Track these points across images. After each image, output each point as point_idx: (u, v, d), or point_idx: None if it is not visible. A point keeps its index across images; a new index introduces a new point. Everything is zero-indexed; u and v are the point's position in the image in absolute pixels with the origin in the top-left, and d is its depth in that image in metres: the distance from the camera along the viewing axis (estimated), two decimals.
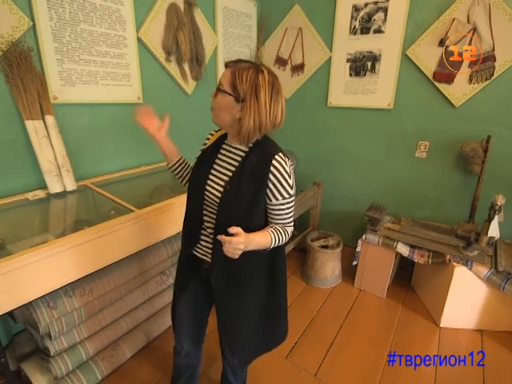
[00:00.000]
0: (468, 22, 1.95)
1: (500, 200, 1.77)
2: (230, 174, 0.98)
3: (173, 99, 2.18)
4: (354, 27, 2.32)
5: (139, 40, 1.87)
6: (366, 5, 2.22)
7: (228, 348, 1.14)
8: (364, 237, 2.15)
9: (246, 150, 0.99)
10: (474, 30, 1.93)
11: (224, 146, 1.04)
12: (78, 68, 1.64)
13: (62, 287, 1.29)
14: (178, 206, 1.67)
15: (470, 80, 2.01)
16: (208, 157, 1.05)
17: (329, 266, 2.27)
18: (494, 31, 1.89)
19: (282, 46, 2.68)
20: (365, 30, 2.28)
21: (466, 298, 1.89)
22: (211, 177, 1.02)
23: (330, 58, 2.47)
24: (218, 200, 0.97)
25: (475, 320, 1.95)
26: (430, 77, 2.13)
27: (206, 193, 1.01)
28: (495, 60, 1.92)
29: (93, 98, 1.73)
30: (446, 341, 1.87)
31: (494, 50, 1.91)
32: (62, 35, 1.54)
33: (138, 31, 1.84)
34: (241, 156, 0.99)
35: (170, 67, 2.07)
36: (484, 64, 1.94)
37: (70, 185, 1.59)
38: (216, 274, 1.04)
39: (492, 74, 1.94)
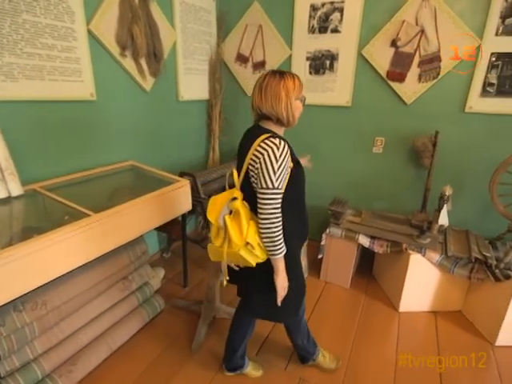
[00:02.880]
0: (416, 24, 2.07)
1: (448, 190, 1.91)
2: None
3: (130, 96, 2.08)
4: (313, 26, 2.36)
5: (90, 33, 1.75)
6: (323, 5, 2.28)
7: None
8: (328, 230, 2.22)
9: None
10: (422, 31, 2.06)
11: None
12: (21, 62, 1.50)
13: (9, 302, 1.18)
14: (140, 207, 1.60)
15: (419, 79, 2.14)
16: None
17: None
18: (439, 33, 2.03)
19: (242, 42, 2.66)
20: (323, 30, 2.34)
21: (420, 282, 2.03)
22: None
23: (291, 55, 2.51)
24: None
25: (430, 302, 2.09)
26: (384, 76, 2.24)
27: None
28: (441, 60, 2.06)
29: (39, 94, 1.59)
30: (404, 324, 2.00)
31: (439, 51, 2.05)
32: (1, 26, 1.40)
33: (88, 24, 1.73)
34: None
35: (126, 62, 1.97)
36: (431, 64, 2.08)
37: (16, 189, 1.46)
38: None
39: (438, 74, 2.09)
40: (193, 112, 2.70)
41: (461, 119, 2.12)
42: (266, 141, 1.08)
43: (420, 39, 2.08)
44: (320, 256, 2.32)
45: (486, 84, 1.99)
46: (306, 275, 2.44)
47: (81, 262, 1.37)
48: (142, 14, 1.96)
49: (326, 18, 2.30)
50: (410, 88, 2.19)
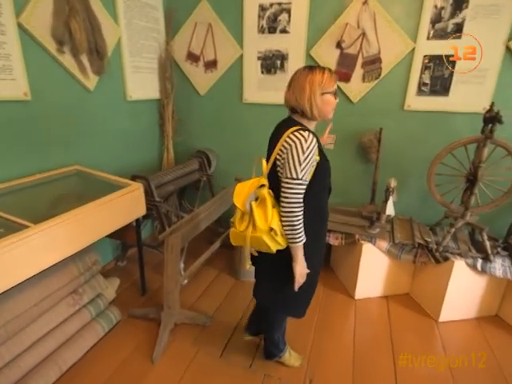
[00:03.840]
0: (358, 27, 2.19)
1: (392, 183, 2.06)
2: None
3: (71, 95, 1.93)
4: (262, 26, 2.39)
5: (20, 27, 1.59)
6: (271, 5, 2.32)
7: None
8: None
9: None
10: (364, 34, 2.19)
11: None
12: None
13: None
14: (87, 215, 1.50)
15: (363, 79, 2.27)
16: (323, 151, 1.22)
17: None
18: (378, 36, 2.17)
19: (192, 41, 2.61)
20: (272, 30, 2.38)
21: (373, 270, 2.16)
22: None
23: (242, 55, 2.51)
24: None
25: (381, 288, 2.24)
26: None
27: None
28: (381, 62, 2.21)
29: None
30: (360, 311, 2.11)
31: (380, 53, 2.19)
32: None
33: (18, 17, 1.57)
34: None
35: (64, 59, 1.82)
36: (373, 65, 2.22)
37: None
38: None
39: (380, 74, 2.23)
40: (143, 112, 2.59)
41: (401, 116, 2.29)
42: (296, 133, 1.13)
43: (362, 41, 2.20)
44: None
45: (421, 84, 2.18)
46: None
47: (20, 279, 1.24)
48: (81, 7, 1.83)
49: (274, 18, 2.34)
50: (356, 87, 2.32)
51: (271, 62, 2.45)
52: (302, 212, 1.15)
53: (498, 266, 1.88)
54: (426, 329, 1.97)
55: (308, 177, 1.14)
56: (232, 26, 2.48)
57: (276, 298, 1.39)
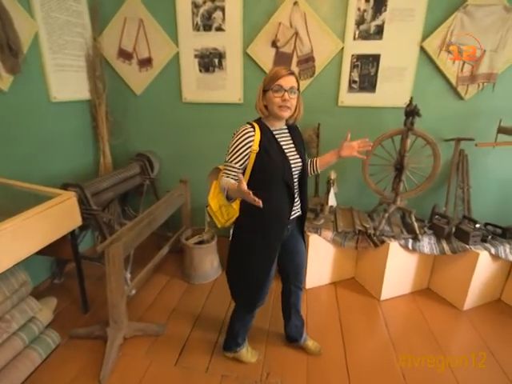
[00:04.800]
0: (291, 26, 2.26)
1: (332, 175, 2.18)
2: (293, 145, 1.36)
3: None
4: (197, 23, 2.34)
5: None
6: (205, 2, 2.28)
7: (299, 276, 1.65)
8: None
9: (286, 127, 1.37)
10: (297, 33, 2.27)
11: (274, 132, 1.31)
12: None
13: None
14: (7, 232, 1.33)
15: (300, 77, 2.36)
16: (274, 144, 1.29)
17: (207, 260, 2.30)
18: (310, 36, 2.26)
19: (123, 37, 2.46)
20: (207, 27, 2.34)
21: (320, 259, 2.27)
22: (288, 154, 1.31)
23: (178, 53, 2.44)
24: (300, 166, 1.36)
25: (329, 275, 2.37)
26: None
27: (292, 167, 1.31)
28: (314, 60, 2.31)
29: None
30: (311, 299, 2.21)
31: (312, 52, 2.29)
32: None
33: None
34: (286, 133, 1.37)
35: None
36: (307, 63, 2.31)
37: None
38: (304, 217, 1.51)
39: (314, 73, 2.33)
40: (72, 114, 2.38)
41: (336, 112, 2.43)
42: (243, 125, 1.30)
43: (296, 41, 2.28)
44: None
45: (351, 81, 2.33)
46: (219, 272, 2.45)
47: None
48: None
49: (208, 15, 2.31)
50: None
51: (209, 61, 2.42)
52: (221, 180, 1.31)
53: (426, 244, 2.10)
54: (370, 308, 2.13)
55: (237, 163, 1.27)
56: (165, 22, 2.39)
57: (228, 278, 1.54)
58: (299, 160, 1.35)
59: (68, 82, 2.28)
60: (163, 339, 1.82)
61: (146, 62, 2.50)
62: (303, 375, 1.62)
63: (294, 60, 2.32)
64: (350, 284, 2.38)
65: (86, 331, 1.80)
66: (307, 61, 2.30)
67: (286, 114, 1.26)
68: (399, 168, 2.09)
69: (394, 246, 2.08)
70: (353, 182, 2.57)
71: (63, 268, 2.28)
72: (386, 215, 2.15)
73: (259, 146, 1.24)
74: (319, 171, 1.53)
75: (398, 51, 2.19)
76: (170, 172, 2.77)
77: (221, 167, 1.38)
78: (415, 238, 2.10)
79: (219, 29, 2.33)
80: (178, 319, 1.98)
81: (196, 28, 2.36)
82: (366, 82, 2.31)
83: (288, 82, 1.22)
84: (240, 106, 2.52)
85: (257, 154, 1.24)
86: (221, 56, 2.40)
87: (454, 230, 2.13)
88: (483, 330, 1.94)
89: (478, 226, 2.02)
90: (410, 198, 2.22)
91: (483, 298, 2.15)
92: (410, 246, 2.08)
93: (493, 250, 1.97)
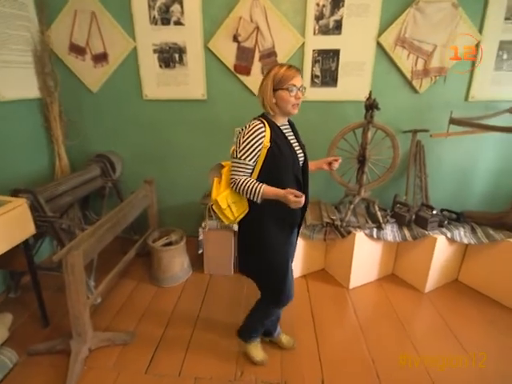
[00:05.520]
0: (252, 21, 2.24)
1: None
2: (295, 140, 1.39)
3: None
4: (154, 17, 2.25)
5: None
6: None
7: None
8: (203, 224, 2.23)
9: (287, 123, 1.40)
10: (258, 28, 2.25)
11: (281, 128, 1.33)
12: None
13: None
14: None
15: (262, 72, 2.35)
16: (283, 139, 1.31)
17: (176, 261, 2.24)
18: (271, 31, 2.26)
19: (74, 31, 2.31)
20: (165, 21, 2.26)
21: None
22: (296, 149, 1.35)
23: (136, 48, 2.33)
24: (303, 159, 1.40)
25: (300, 269, 2.40)
26: (232, 69, 2.35)
27: (300, 162, 1.37)
28: (277, 55, 2.31)
29: None
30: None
31: (274, 47, 2.29)
32: None
33: None
34: (289, 128, 1.40)
35: None
36: (269, 58, 2.31)
37: None
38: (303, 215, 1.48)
39: None
40: (21, 114, 2.20)
41: (300, 107, 2.44)
42: (251, 121, 1.30)
43: (257, 35, 2.27)
44: (200, 251, 2.32)
45: (313, 76, 2.36)
46: (189, 272, 2.40)
47: None
48: None
49: (166, 9, 2.22)
50: (257, 80, 2.38)
51: (169, 56, 2.34)
52: (244, 182, 1.28)
53: (389, 232, 2.19)
54: (340, 298, 2.19)
55: (250, 159, 1.27)
56: (119, 16, 2.27)
57: (256, 269, 1.49)
58: (302, 154, 1.39)
59: (13, 80, 2.10)
60: (132, 347, 1.75)
61: (101, 58, 2.36)
62: (277, 370, 1.63)
63: (257, 55, 2.31)
64: (321, 275, 2.44)
65: (47, 346, 1.69)
66: (269, 56, 2.30)
67: (297, 111, 1.31)
68: (362, 160, 2.16)
69: (360, 236, 2.15)
70: (320, 175, 2.59)
71: (18, 280, 2.12)
72: (352, 206, 2.21)
73: (270, 141, 1.26)
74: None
75: (356, 46, 2.25)
76: (134, 172, 2.66)
77: (224, 163, 1.40)
78: (379, 227, 2.18)
79: (178, 23, 2.25)
80: (148, 324, 1.92)
81: (153, 22, 2.26)
82: (328, 76, 2.35)
83: (299, 80, 1.27)
84: (204, 102, 2.47)
85: (268, 149, 1.26)
86: (181, 51, 2.32)
87: (414, 217, 2.24)
88: (444, 310, 2.06)
89: (434, 212, 2.14)
90: (373, 188, 2.29)
91: (442, 280, 2.28)
92: (374, 234, 2.16)
93: (449, 234, 2.10)
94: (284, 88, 1.24)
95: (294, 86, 1.25)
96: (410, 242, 2.16)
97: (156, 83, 2.41)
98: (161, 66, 2.37)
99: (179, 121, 2.54)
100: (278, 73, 1.25)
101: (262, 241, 1.38)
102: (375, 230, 2.18)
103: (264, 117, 1.32)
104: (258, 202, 1.27)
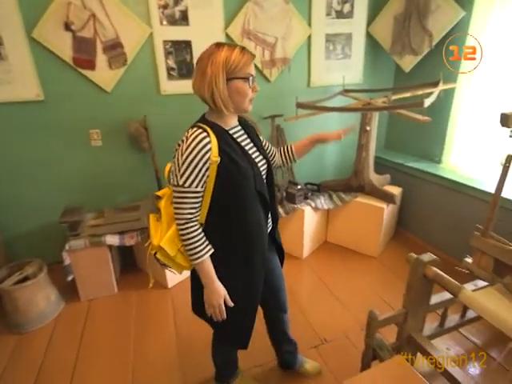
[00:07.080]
0: (85, 7, 1.97)
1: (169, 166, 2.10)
2: (252, 145, 1.08)
3: None
4: None
5: None
6: None
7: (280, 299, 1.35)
8: (67, 246, 1.91)
9: (239, 124, 1.08)
10: (94, 16, 2.00)
11: (230, 132, 1.02)
12: None
13: None
14: None
15: (110, 66, 2.12)
16: (235, 148, 1.00)
17: (38, 298, 1.86)
18: (112, 19, 2.04)
19: None
20: None
21: None
22: (255, 157, 1.06)
23: None
24: (266, 168, 1.10)
25: None
26: (71, 63, 2.04)
27: (263, 172, 1.08)
28: (123, 47, 2.11)
29: None
30: (175, 297, 2.13)
31: (118, 37, 2.08)
32: None
33: None
34: (241, 130, 1.08)
35: None
36: (115, 50, 2.09)
37: None
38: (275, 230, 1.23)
39: (126, 60, 2.14)
40: None
41: (161, 101, 2.33)
42: (188, 130, 0.97)
43: (95, 24, 2.01)
44: (70, 277, 1.99)
45: (169, 69, 2.27)
46: (61, 305, 2.04)
47: None
48: None
49: None
50: (105, 75, 2.13)
51: None
52: (193, 225, 0.97)
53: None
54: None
55: (197, 184, 0.94)
56: None
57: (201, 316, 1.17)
58: (264, 161, 1.09)
59: None
60: None
61: None
62: None
63: (99, 46, 2.06)
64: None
65: None
66: (114, 47, 2.08)
67: (251, 107, 1.02)
68: None
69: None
70: None
71: None
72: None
73: (219, 154, 0.94)
74: (297, 159, 1.28)
75: (206, 37, 2.24)
76: None
77: (160, 193, 1.07)
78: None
79: None
80: None
81: None
82: (184, 68, 2.30)
83: (253, 69, 0.98)
84: (42, 103, 2.07)
85: (218, 165, 0.94)
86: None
87: (285, 194, 2.47)
88: (320, 272, 2.37)
89: (299, 187, 2.41)
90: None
91: (315, 244, 2.63)
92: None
93: (313, 204, 2.41)
94: (240, 77, 0.94)
95: (251, 75, 0.97)
96: (284, 217, 2.38)
97: None
98: None
99: (9, 130, 2.06)
100: (230, 57, 0.91)
101: (226, 272, 1.06)
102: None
103: (205, 121, 0.99)
104: (191, 264, 1.03)
